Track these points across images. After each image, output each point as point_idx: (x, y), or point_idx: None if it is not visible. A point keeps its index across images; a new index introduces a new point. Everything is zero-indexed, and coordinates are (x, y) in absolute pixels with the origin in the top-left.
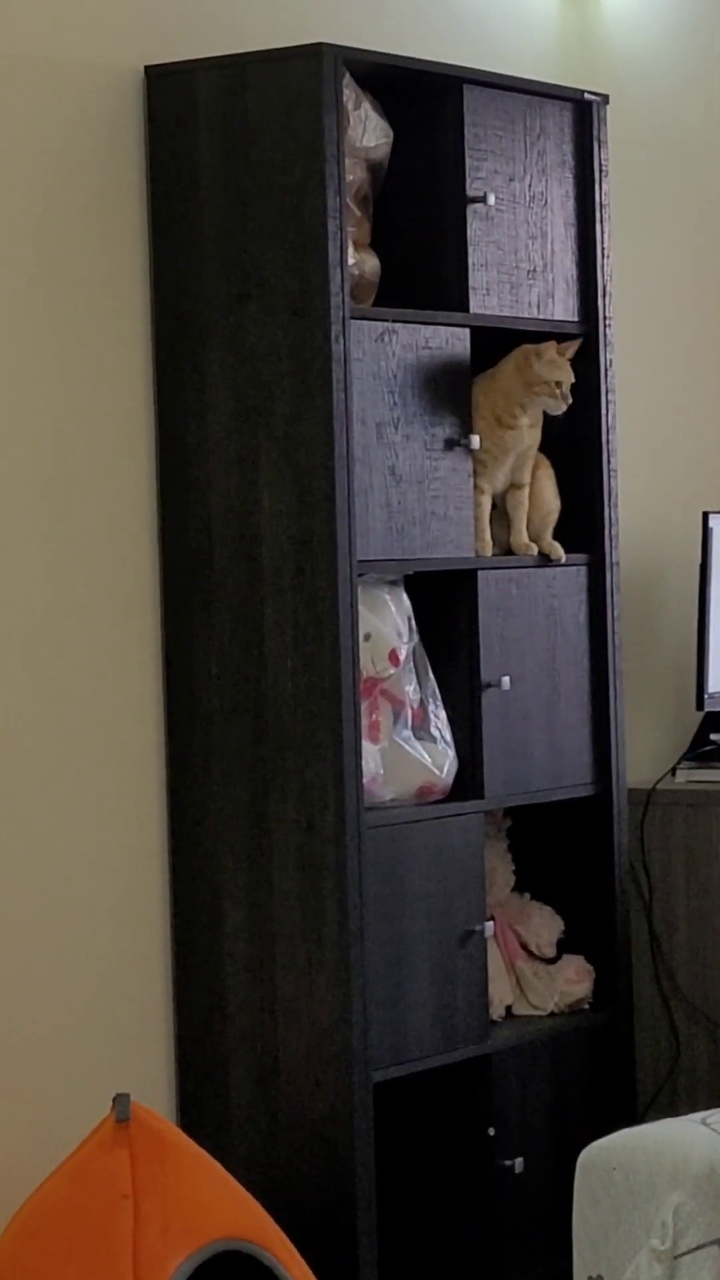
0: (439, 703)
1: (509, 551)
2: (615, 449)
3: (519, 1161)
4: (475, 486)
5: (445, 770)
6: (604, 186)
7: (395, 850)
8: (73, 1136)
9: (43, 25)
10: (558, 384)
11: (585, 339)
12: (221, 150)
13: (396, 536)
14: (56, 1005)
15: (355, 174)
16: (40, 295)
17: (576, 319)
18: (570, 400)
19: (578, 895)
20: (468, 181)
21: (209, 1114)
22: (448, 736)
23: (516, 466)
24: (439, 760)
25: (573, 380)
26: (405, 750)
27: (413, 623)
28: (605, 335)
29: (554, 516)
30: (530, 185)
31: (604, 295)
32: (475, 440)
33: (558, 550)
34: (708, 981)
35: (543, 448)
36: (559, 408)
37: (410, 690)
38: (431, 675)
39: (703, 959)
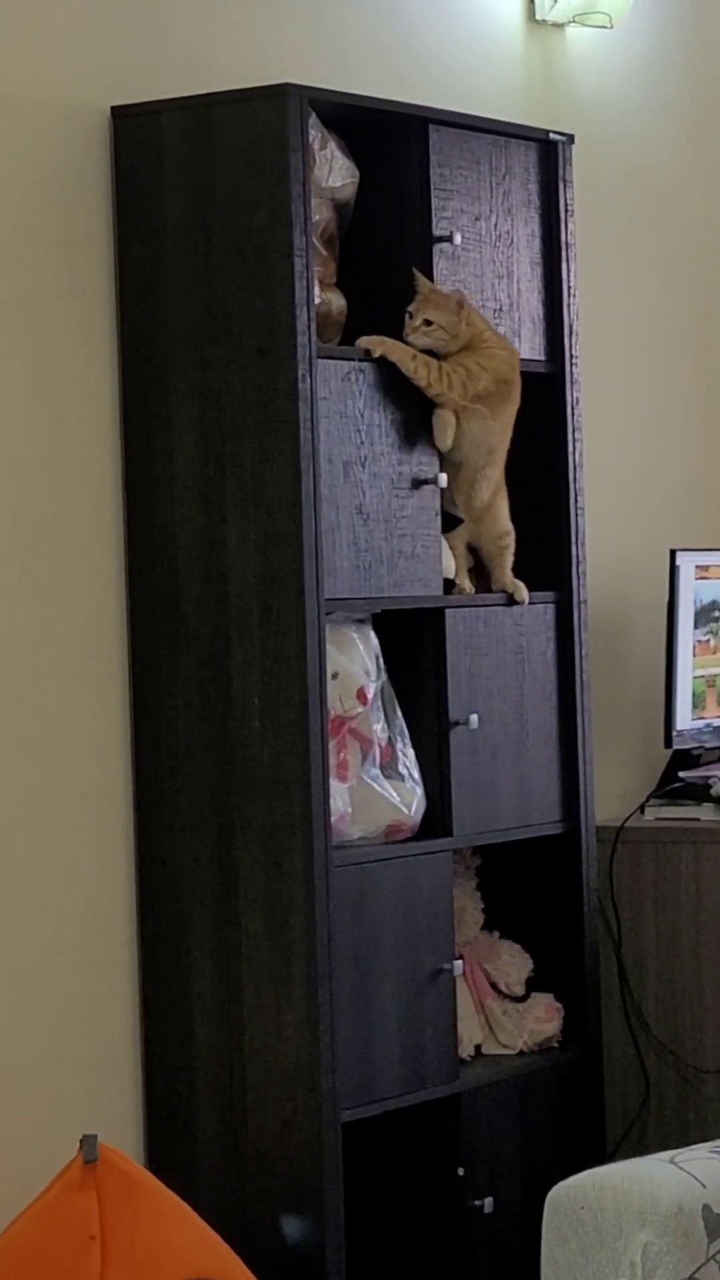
0: (407, 741)
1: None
2: (583, 487)
3: (488, 1201)
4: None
5: (413, 809)
6: (570, 226)
7: (363, 889)
8: (40, 1178)
9: (7, 65)
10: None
11: (552, 377)
12: (187, 190)
13: (364, 575)
14: (23, 1045)
15: (321, 214)
16: (4, 335)
17: (543, 357)
18: (424, 333)
19: (547, 933)
20: (434, 221)
21: (177, 1155)
22: (416, 775)
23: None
24: (407, 799)
25: (426, 318)
26: (373, 789)
27: (381, 661)
28: (571, 374)
29: (510, 538)
30: (496, 224)
31: (570, 334)
32: (443, 478)
33: (522, 591)
34: (677, 1019)
35: (510, 485)
36: (417, 341)
37: (378, 729)
38: (400, 714)
39: (672, 997)
